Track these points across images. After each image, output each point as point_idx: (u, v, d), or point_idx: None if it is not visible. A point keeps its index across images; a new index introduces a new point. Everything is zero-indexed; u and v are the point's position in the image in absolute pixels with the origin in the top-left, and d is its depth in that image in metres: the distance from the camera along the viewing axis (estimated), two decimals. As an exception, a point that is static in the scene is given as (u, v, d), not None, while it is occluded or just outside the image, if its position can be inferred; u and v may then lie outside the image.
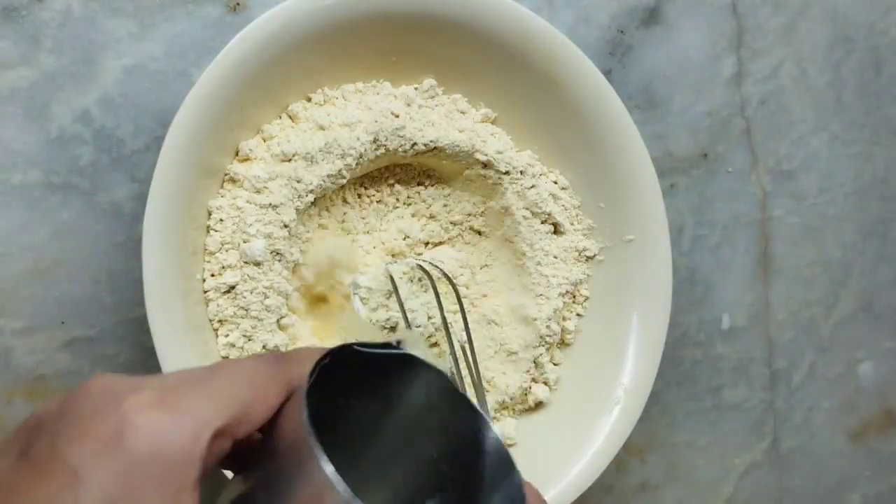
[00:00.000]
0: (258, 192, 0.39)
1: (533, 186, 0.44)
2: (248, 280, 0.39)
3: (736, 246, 0.52)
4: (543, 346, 0.44)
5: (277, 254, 0.39)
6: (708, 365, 0.52)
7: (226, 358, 0.39)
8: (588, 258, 0.45)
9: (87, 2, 0.41)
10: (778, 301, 0.53)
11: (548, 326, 0.44)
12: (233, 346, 0.39)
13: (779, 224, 0.53)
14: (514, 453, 0.28)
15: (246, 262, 0.39)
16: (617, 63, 0.48)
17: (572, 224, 0.45)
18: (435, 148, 0.42)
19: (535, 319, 0.44)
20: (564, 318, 0.45)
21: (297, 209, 0.39)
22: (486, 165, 0.43)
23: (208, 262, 0.39)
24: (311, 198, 0.40)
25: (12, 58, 0.40)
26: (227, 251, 0.39)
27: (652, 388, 0.43)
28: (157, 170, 0.36)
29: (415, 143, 0.41)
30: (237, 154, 0.40)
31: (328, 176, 0.40)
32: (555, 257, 0.44)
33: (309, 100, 0.41)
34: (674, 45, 0.49)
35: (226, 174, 0.40)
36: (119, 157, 0.42)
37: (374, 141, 0.40)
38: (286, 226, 0.39)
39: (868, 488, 0.57)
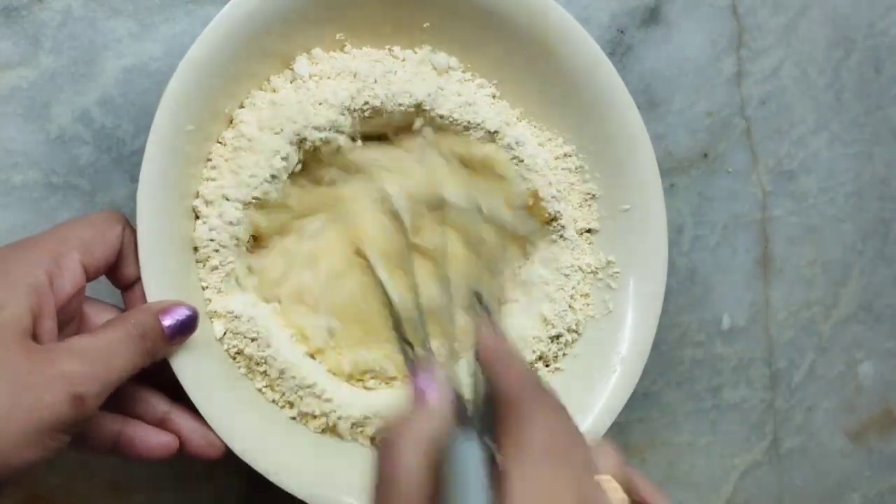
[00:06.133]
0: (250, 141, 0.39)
1: (530, 156, 0.43)
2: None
3: (736, 246, 0.52)
4: (555, 341, 0.44)
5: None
6: (708, 365, 0.52)
7: (220, 343, 0.39)
8: (585, 230, 0.45)
9: (87, 2, 0.41)
10: (778, 301, 0.53)
11: (559, 317, 0.44)
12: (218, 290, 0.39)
13: (779, 224, 0.53)
14: None
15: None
16: (617, 63, 0.48)
17: (569, 195, 0.45)
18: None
19: (546, 319, 0.44)
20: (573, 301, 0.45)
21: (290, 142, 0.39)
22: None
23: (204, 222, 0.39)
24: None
25: (12, 58, 0.40)
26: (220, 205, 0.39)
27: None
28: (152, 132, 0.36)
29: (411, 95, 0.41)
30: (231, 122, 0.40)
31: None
32: (561, 237, 0.44)
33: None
34: (674, 45, 0.49)
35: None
36: (119, 157, 0.42)
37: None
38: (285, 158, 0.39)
39: (868, 488, 0.57)
